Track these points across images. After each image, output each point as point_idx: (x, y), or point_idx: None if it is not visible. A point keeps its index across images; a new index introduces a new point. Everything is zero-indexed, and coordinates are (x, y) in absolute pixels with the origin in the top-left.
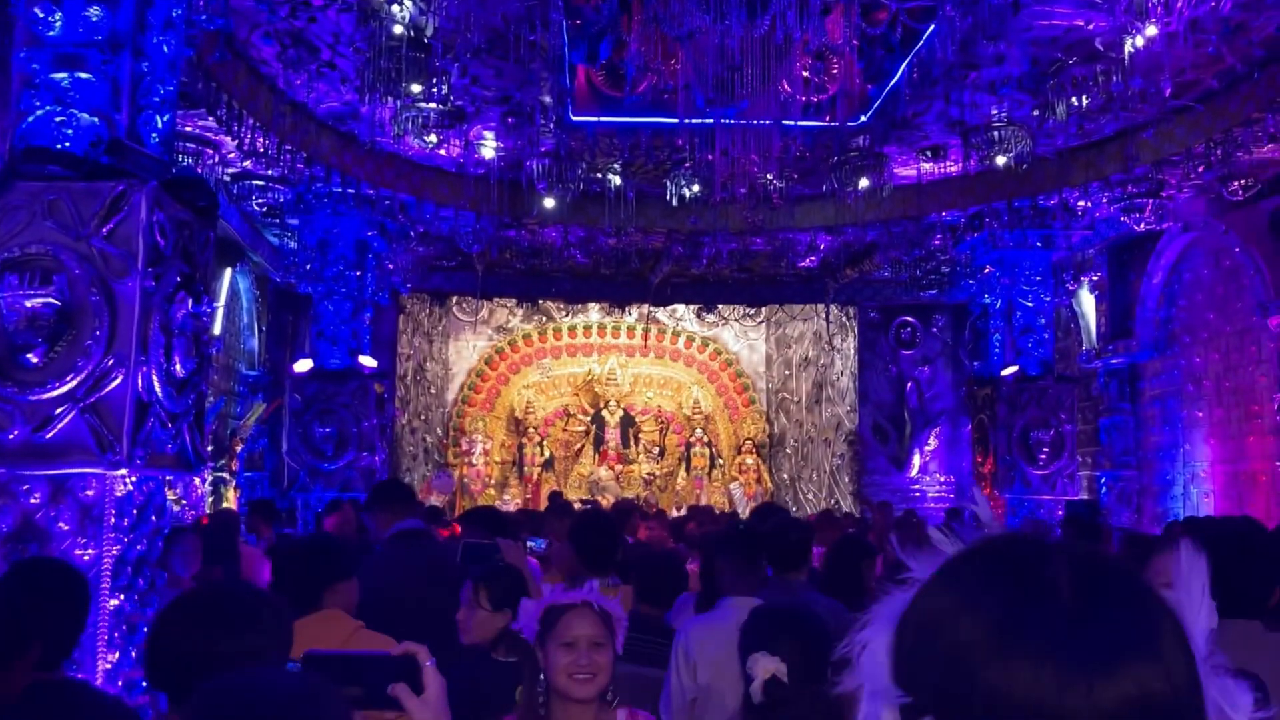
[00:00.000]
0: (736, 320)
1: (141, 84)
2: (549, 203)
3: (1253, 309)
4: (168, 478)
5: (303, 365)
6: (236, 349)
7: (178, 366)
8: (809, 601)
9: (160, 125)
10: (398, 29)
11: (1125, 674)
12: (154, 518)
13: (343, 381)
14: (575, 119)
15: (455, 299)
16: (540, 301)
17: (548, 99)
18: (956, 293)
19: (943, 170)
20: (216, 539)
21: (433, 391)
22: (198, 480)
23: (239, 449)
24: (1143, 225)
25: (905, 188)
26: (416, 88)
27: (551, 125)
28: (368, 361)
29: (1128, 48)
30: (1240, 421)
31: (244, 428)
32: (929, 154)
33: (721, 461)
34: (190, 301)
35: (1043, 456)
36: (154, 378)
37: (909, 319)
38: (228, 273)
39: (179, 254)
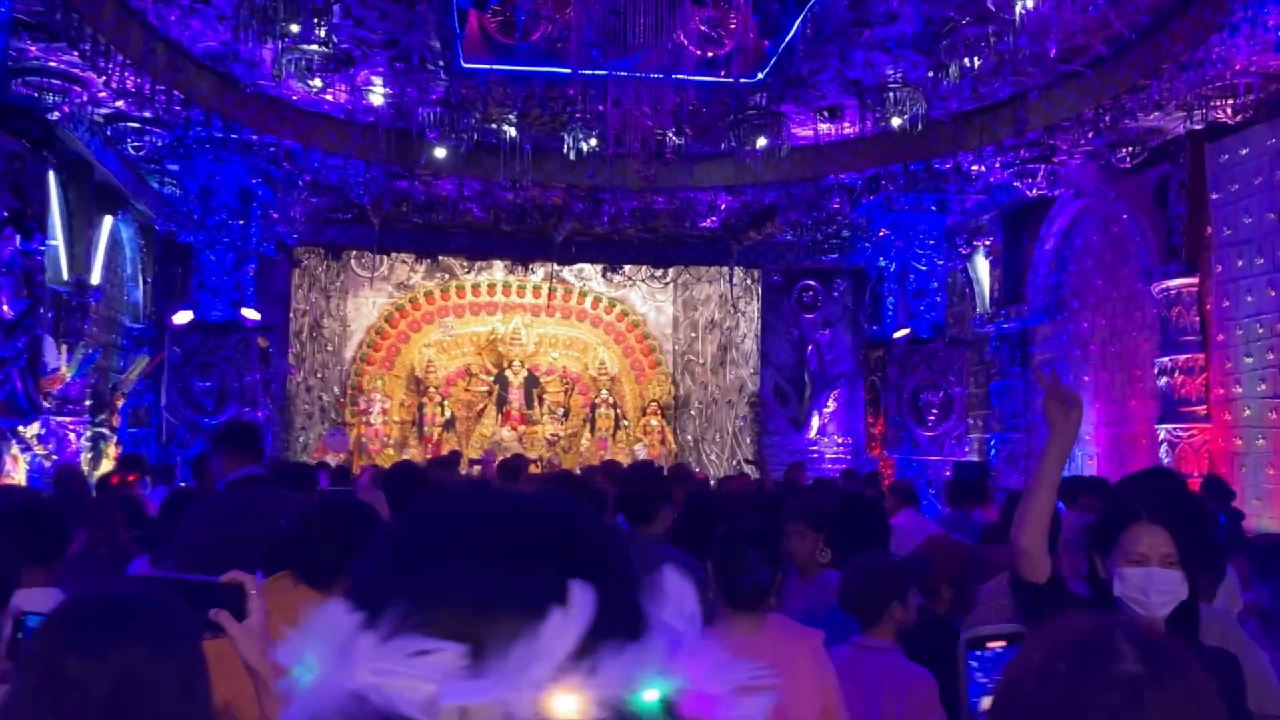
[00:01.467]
0: (644, 282)
1: None
2: (440, 152)
3: (1138, 275)
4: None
5: (182, 317)
6: (120, 301)
7: (4, 307)
8: (664, 554)
9: None
10: None
11: None
12: None
13: (225, 334)
14: (466, 66)
15: (353, 254)
16: (440, 258)
17: (435, 44)
18: (857, 257)
19: (840, 132)
20: (64, 493)
21: (330, 349)
22: (73, 433)
23: (120, 404)
24: (1035, 191)
25: (803, 149)
26: (295, 28)
27: (441, 72)
28: (250, 314)
29: (1018, 9)
30: (1124, 385)
31: (126, 382)
32: (826, 114)
33: (626, 423)
34: (19, 238)
35: (931, 418)
36: None
37: (811, 283)
38: (108, 220)
39: (7, 188)
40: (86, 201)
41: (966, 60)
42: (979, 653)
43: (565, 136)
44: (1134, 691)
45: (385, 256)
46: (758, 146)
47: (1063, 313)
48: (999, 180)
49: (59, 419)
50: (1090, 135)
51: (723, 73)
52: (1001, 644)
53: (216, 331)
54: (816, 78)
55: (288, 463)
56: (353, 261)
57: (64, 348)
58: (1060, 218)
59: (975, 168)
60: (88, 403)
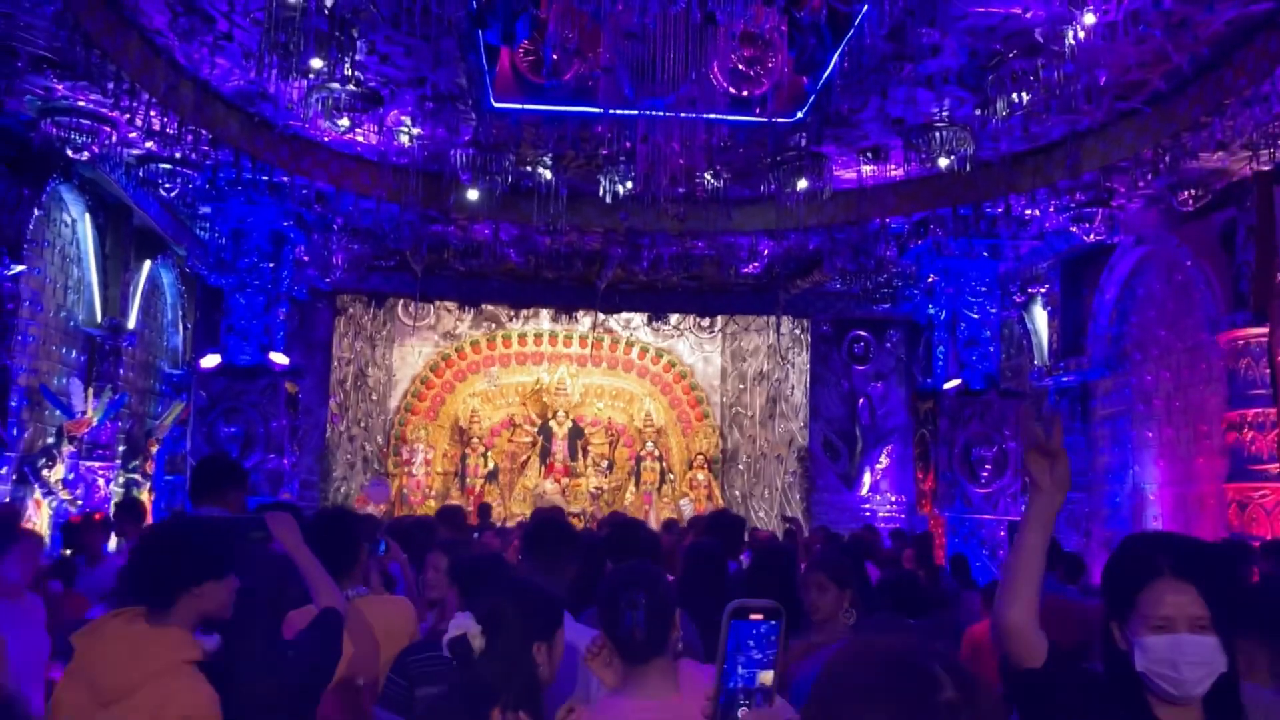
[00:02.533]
0: (692, 332)
1: None
2: (473, 194)
3: (1204, 325)
4: None
5: (209, 361)
6: (159, 346)
7: None
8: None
9: None
10: None
11: None
12: None
13: (252, 379)
14: (497, 105)
15: (400, 303)
16: (483, 305)
17: (463, 81)
18: (909, 306)
19: (885, 174)
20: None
21: (374, 398)
22: (102, 478)
23: (155, 450)
24: (1092, 236)
25: (847, 192)
26: (318, 63)
27: (471, 111)
28: (278, 359)
29: (1068, 39)
30: (1190, 442)
31: (161, 428)
32: (869, 155)
33: (672, 477)
34: None
35: (985, 474)
36: None
37: (862, 333)
38: (146, 265)
39: None
40: (124, 245)
41: (1015, 95)
42: (740, 622)
43: (601, 179)
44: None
45: (431, 305)
46: (798, 189)
47: (1125, 365)
48: (1054, 225)
49: (88, 464)
50: (1150, 177)
51: (757, 110)
52: (760, 616)
53: (244, 376)
54: (857, 116)
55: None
56: (399, 310)
57: (90, 391)
58: (1121, 265)
59: (1028, 211)
60: (121, 448)
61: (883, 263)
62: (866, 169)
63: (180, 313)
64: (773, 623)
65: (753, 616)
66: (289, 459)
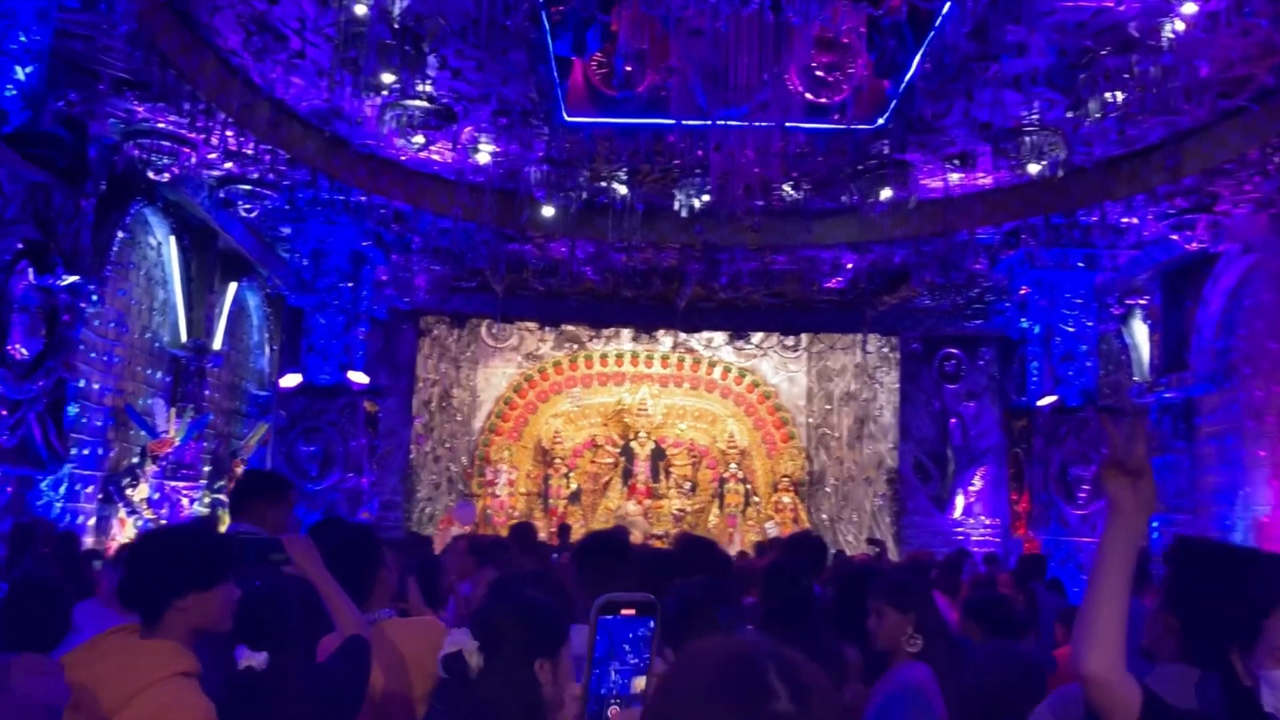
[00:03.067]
0: (776, 351)
1: None
2: (548, 211)
3: None
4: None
5: (290, 380)
6: (245, 367)
7: (19, 347)
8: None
9: (22, 77)
10: (360, 9)
11: None
12: None
13: (331, 398)
14: (570, 119)
15: (484, 325)
16: (564, 325)
17: (535, 95)
18: (1001, 322)
19: (973, 182)
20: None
21: (459, 419)
22: (186, 498)
23: (239, 470)
24: (1195, 244)
25: (933, 202)
26: (389, 78)
27: (544, 125)
28: (357, 378)
29: (1166, 32)
30: None
31: (245, 448)
32: (956, 162)
33: (757, 500)
34: (32, 272)
35: (1082, 495)
36: None
37: (953, 351)
38: (232, 287)
39: (29, 217)
40: (209, 267)
41: (1108, 95)
42: (610, 619)
43: (677, 194)
44: None
45: (513, 326)
46: (882, 199)
47: (1232, 380)
48: (1153, 233)
49: (172, 483)
50: (1257, 180)
51: (836, 116)
52: (632, 611)
53: (323, 395)
54: (942, 121)
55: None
56: (483, 331)
57: (173, 411)
58: (1226, 275)
59: (1126, 219)
60: (206, 468)
61: (973, 277)
62: (953, 177)
63: (266, 334)
64: (647, 620)
65: (624, 612)
66: (368, 478)
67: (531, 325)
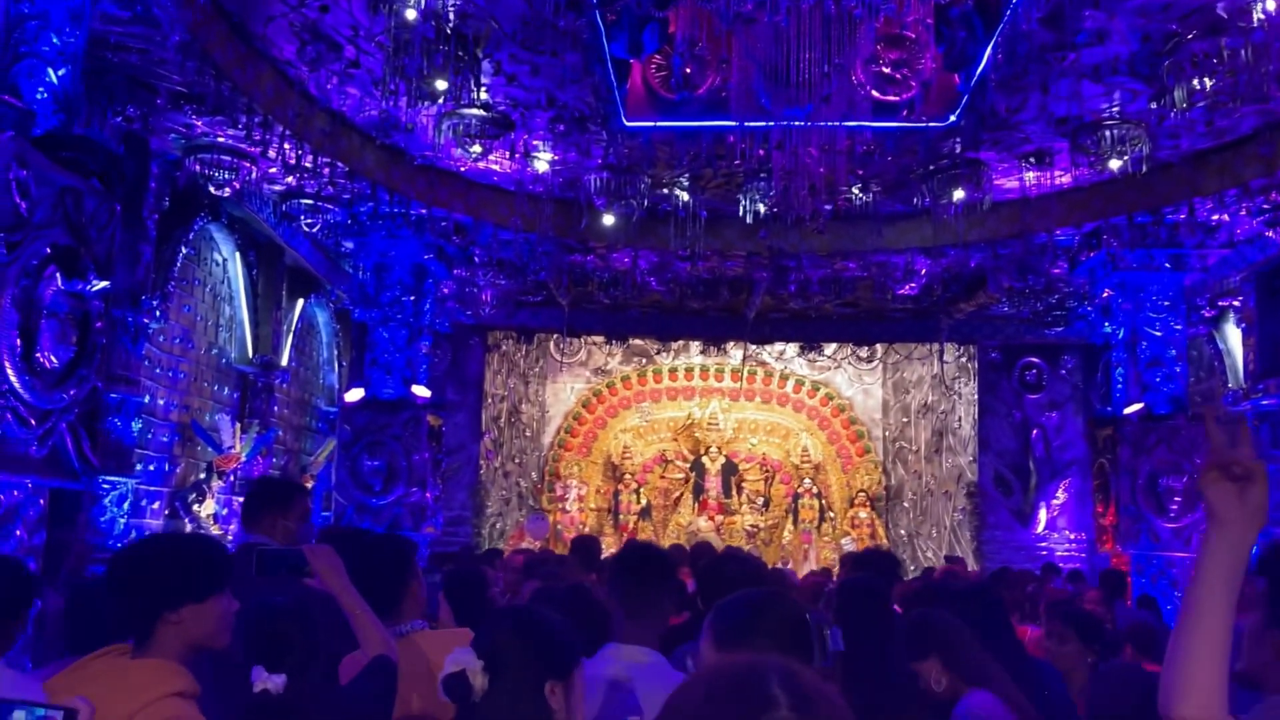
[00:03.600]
0: (849, 363)
1: (24, 27)
2: (608, 220)
3: None
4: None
5: (354, 395)
6: (314, 384)
7: (49, 356)
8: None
9: (54, 80)
10: (410, 14)
11: None
12: (19, 532)
13: (395, 412)
14: (629, 125)
15: (552, 340)
16: (633, 340)
17: (592, 100)
18: (1084, 329)
19: (1051, 181)
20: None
21: (528, 435)
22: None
23: (309, 486)
24: None
25: (1009, 203)
26: (442, 84)
27: (602, 131)
28: (420, 391)
29: (1257, 12)
30: None
31: (315, 464)
32: (1032, 160)
33: (832, 515)
34: (60, 277)
35: (1174, 507)
36: (4, 363)
37: (1034, 360)
38: (299, 303)
39: (59, 221)
40: (276, 283)
41: (1196, 83)
42: None
43: (741, 199)
44: None
45: (580, 340)
46: (955, 200)
47: None
48: (1246, 231)
49: (239, 499)
50: None
51: (905, 113)
52: None
53: (387, 409)
54: (1017, 116)
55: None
56: (551, 346)
57: (239, 427)
58: None
59: (1216, 216)
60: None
61: (1052, 281)
62: (1029, 176)
63: (335, 351)
64: None
65: None
66: (431, 492)
67: (598, 339)
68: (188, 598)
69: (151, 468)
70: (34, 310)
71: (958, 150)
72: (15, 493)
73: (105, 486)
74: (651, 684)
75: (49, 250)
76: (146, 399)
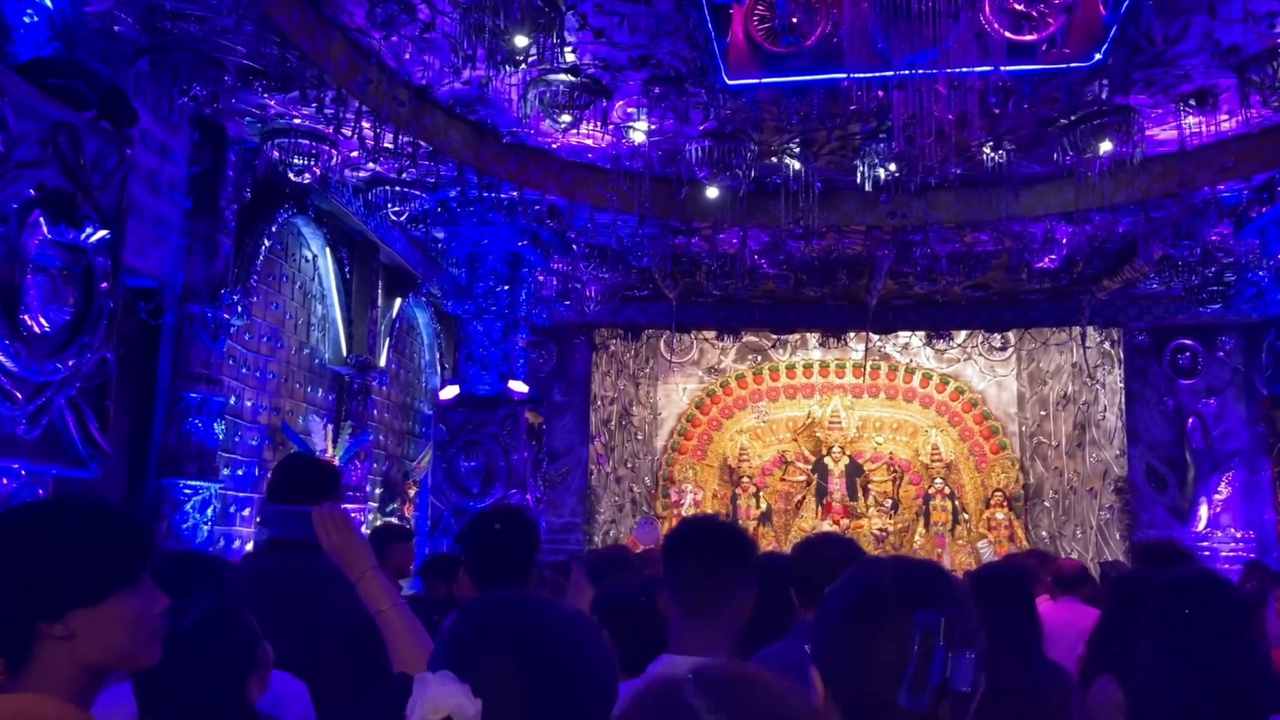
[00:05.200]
0: (981, 354)
1: None
2: (712, 193)
3: None
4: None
5: (448, 392)
6: (416, 387)
7: (38, 318)
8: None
9: (47, 3)
10: None
11: None
12: None
13: (491, 409)
14: (731, 83)
15: (662, 340)
16: (744, 333)
17: (689, 53)
18: (1243, 306)
19: (1214, 128)
20: None
21: (639, 438)
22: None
23: (413, 492)
24: None
25: (1164, 157)
26: (522, 40)
27: (702, 92)
28: (518, 387)
29: None
30: None
31: (417, 469)
32: (1192, 103)
33: (967, 517)
34: (45, 224)
35: None
36: None
37: (1187, 342)
38: (397, 302)
39: (49, 161)
40: (370, 281)
41: None
42: None
43: (859, 164)
44: None
45: (694, 340)
46: (1101, 154)
47: None
48: None
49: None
50: None
51: (1043, 49)
52: None
53: (483, 407)
54: (1175, 50)
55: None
56: (661, 345)
57: (329, 429)
58: None
59: None
60: (378, 490)
61: (1210, 251)
62: (1189, 122)
63: (438, 354)
64: None
65: None
66: (532, 494)
67: (710, 335)
68: (72, 601)
69: (240, 472)
70: (16, 263)
71: (1104, 95)
72: (3, 480)
73: (187, 491)
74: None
75: (33, 193)
76: (232, 400)
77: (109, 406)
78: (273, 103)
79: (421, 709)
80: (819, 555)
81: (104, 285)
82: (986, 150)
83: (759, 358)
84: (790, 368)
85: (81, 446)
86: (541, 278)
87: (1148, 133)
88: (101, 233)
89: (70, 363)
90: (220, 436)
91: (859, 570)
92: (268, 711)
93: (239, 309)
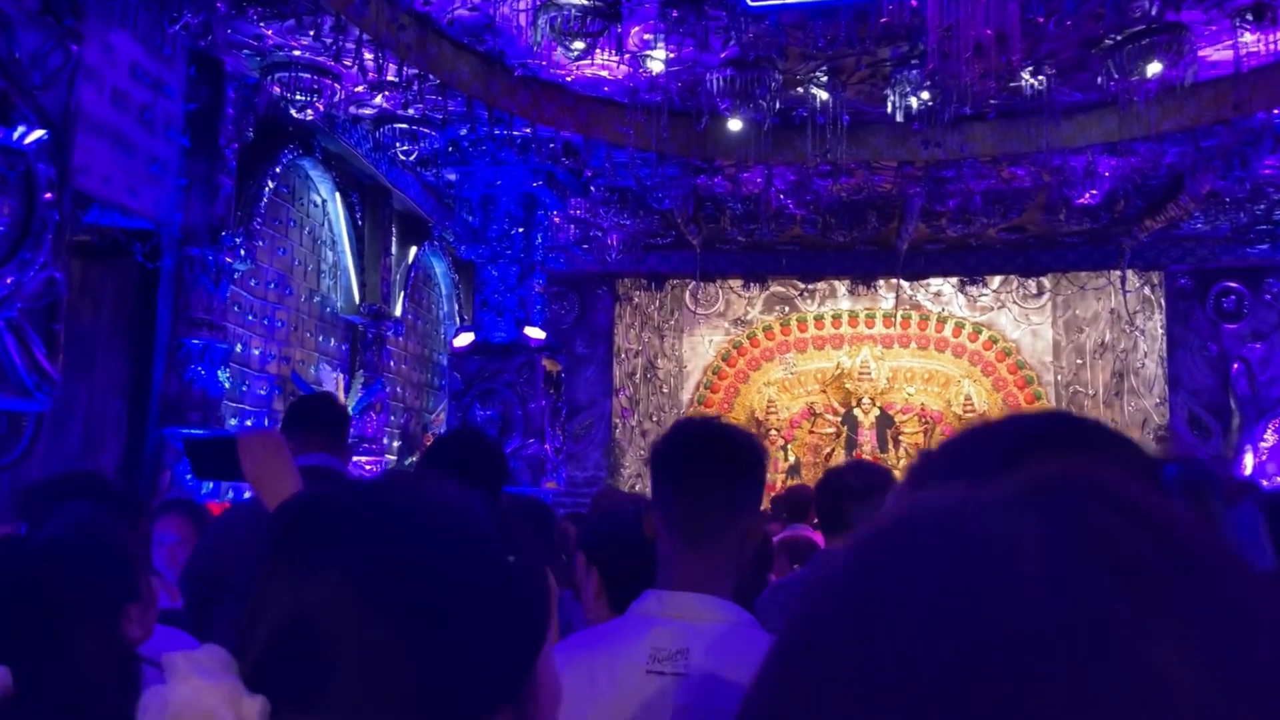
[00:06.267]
0: (1015, 301)
1: None
2: (734, 125)
3: None
4: None
5: (463, 339)
6: (434, 338)
7: None
8: None
9: None
10: None
11: None
12: None
13: (507, 357)
14: (754, 3)
15: (687, 291)
16: (770, 283)
17: None
18: None
19: (1273, 45)
20: None
21: (665, 391)
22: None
23: (429, 444)
24: None
25: (1216, 81)
26: None
27: (722, 14)
28: (534, 333)
29: None
30: None
31: (435, 421)
32: (1249, 18)
33: None
34: None
35: None
36: None
37: (1232, 284)
38: (412, 250)
39: None
40: (382, 228)
41: None
42: None
43: (889, 94)
44: None
45: (719, 290)
46: (1149, 77)
47: None
48: None
49: (354, 458)
50: None
51: None
52: None
53: (499, 354)
54: None
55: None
56: (686, 297)
57: (340, 379)
58: None
59: None
60: (395, 443)
61: (1260, 187)
62: (1246, 39)
63: (456, 305)
64: None
65: None
66: (550, 443)
67: (736, 285)
68: None
69: (249, 422)
70: None
71: (1153, 11)
72: None
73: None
74: (727, 663)
75: None
76: (239, 348)
77: (59, 331)
78: (270, 32)
79: (156, 716)
80: (842, 482)
81: (47, 195)
82: (1025, 76)
83: (786, 308)
84: (819, 318)
85: (26, 375)
86: (558, 219)
87: (1200, 53)
88: (38, 133)
89: (9, 280)
90: (226, 385)
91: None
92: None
93: (242, 253)
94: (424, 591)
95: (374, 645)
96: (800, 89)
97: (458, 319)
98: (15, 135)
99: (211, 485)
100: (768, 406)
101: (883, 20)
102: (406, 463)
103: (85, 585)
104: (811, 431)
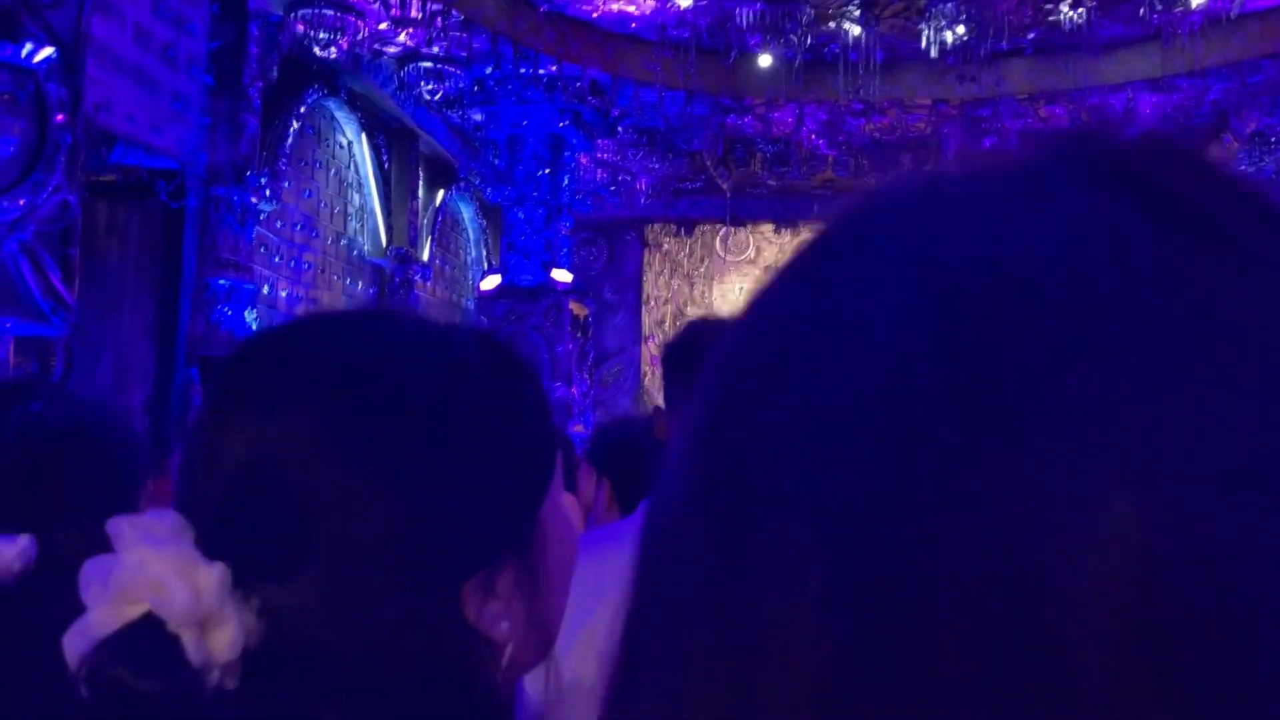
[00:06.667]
0: None
1: None
2: (764, 61)
3: None
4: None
5: (489, 282)
6: (463, 284)
7: None
8: None
9: None
10: None
11: None
12: None
13: (534, 300)
14: None
15: (718, 238)
16: (801, 227)
17: None
18: None
19: None
20: None
21: None
22: None
23: None
24: None
25: (1265, 13)
26: None
27: None
28: (561, 276)
29: None
30: None
31: None
32: None
33: None
34: None
35: None
36: None
37: None
38: (440, 194)
39: None
40: (410, 171)
41: None
42: None
43: (924, 28)
44: None
45: (749, 236)
46: (1193, 8)
47: None
48: None
49: None
50: None
51: None
52: None
53: (526, 297)
54: None
55: None
56: (717, 244)
57: None
58: None
59: None
60: None
61: None
62: None
63: (484, 250)
64: None
65: None
66: (578, 387)
67: (767, 230)
68: None
69: None
70: None
71: None
72: None
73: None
74: None
75: None
76: (265, 289)
77: (74, 255)
78: None
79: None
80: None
81: (59, 117)
82: (1064, 8)
83: None
84: None
85: (41, 299)
86: (586, 161)
87: None
88: (46, 50)
89: (21, 201)
90: (253, 326)
91: None
92: None
93: (267, 193)
94: (406, 427)
95: (353, 492)
96: (832, 24)
97: (485, 264)
98: (24, 53)
99: None
100: None
101: None
102: None
103: (111, 457)
104: None
